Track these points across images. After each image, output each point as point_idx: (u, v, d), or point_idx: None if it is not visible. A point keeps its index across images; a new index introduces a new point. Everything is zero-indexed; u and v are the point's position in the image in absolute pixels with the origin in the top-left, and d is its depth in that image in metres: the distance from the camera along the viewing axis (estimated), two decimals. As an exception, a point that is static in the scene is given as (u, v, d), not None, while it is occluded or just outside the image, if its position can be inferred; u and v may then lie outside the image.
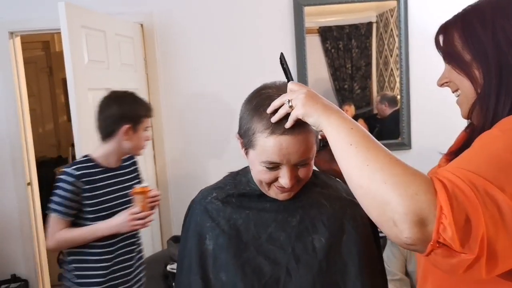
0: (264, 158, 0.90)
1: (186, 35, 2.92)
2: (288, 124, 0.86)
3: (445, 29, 0.89)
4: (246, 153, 0.96)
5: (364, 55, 3.04)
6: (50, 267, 3.18)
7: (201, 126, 2.97)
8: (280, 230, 0.96)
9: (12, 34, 2.88)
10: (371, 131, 3.31)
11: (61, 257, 3.85)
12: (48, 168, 4.07)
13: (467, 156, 0.72)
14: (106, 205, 1.73)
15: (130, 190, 1.74)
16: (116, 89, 2.56)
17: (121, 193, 1.78)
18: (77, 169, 1.69)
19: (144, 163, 2.86)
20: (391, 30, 2.97)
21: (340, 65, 3.05)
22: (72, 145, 2.67)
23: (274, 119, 0.87)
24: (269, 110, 0.88)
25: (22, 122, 2.93)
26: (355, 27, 3.02)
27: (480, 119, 0.83)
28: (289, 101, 0.86)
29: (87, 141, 2.26)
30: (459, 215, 0.63)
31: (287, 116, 0.86)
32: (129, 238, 1.82)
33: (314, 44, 2.98)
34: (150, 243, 2.89)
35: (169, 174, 3.00)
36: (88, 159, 1.75)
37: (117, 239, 1.76)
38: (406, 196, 0.65)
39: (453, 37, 0.86)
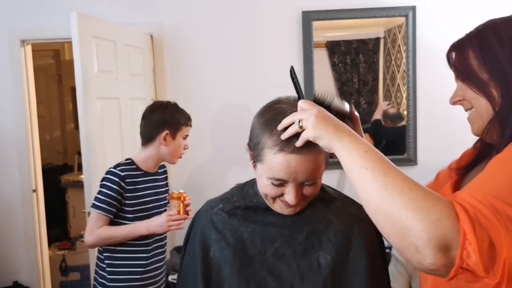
0: (271, 174, 0.89)
1: (194, 47, 2.94)
2: (298, 144, 0.85)
3: (459, 47, 0.89)
4: (254, 166, 0.95)
5: (371, 70, 3.04)
6: (52, 275, 3.18)
7: (208, 136, 2.98)
8: (286, 246, 0.95)
9: (23, 42, 2.92)
10: (377, 145, 3.30)
11: (63, 265, 3.85)
12: (54, 175, 4.09)
13: (485, 178, 0.72)
14: (144, 206, 1.84)
15: (164, 195, 1.90)
16: (124, 98, 2.60)
17: (157, 197, 1.91)
18: (123, 170, 1.80)
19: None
20: (399, 46, 2.98)
21: (347, 79, 3.05)
22: (79, 153, 2.69)
23: (283, 136, 0.86)
24: (280, 127, 0.87)
25: (30, 129, 2.96)
26: (363, 42, 3.04)
27: (497, 137, 0.83)
28: (299, 121, 0.83)
29: (94, 149, 2.28)
30: (482, 240, 0.63)
31: (297, 134, 0.84)
32: (161, 240, 1.94)
33: (321, 58, 3.00)
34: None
35: (175, 183, 3.01)
36: (131, 162, 1.87)
37: (152, 239, 1.87)
38: (428, 222, 0.64)
39: (468, 55, 0.86)
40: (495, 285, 0.64)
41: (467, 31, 0.91)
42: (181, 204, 1.80)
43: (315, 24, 2.91)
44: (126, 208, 1.80)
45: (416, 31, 2.91)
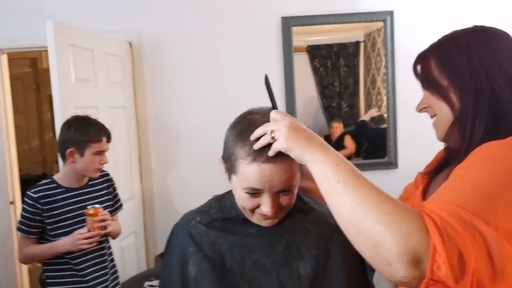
0: (245, 184, 0.88)
1: (174, 54, 2.92)
2: (270, 154, 0.84)
3: (422, 58, 0.93)
4: (229, 178, 0.95)
5: (352, 74, 3.07)
6: (31, 287, 3.10)
7: (188, 144, 2.96)
8: (265, 256, 0.95)
9: (-1, 51, 2.86)
10: (359, 148, 3.30)
11: (43, 277, 3.77)
12: (32, 185, 4.00)
13: (451, 188, 0.74)
14: (66, 223, 1.84)
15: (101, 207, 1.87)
16: (103, 107, 2.56)
17: (85, 211, 1.87)
18: (36, 192, 1.82)
19: (131, 179, 2.84)
20: (378, 49, 3.01)
21: (329, 83, 3.07)
22: (58, 162, 2.64)
23: (255, 146, 0.86)
24: (252, 137, 0.87)
25: (7, 140, 2.89)
26: (343, 46, 3.06)
27: (457, 141, 0.87)
28: (271, 131, 0.83)
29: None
30: (451, 252, 0.64)
31: (270, 144, 0.84)
32: (95, 252, 1.90)
33: (302, 62, 3.01)
34: (135, 260, 2.85)
35: (155, 191, 2.98)
36: (50, 181, 1.89)
37: (81, 253, 1.86)
38: (399, 236, 0.66)
39: (430, 64, 0.90)
40: None
41: (444, 35, 0.93)
42: (93, 221, 1.78)
43: (295, 29, 2.92)
44: (47, 227, 1.82)
45: (394, 36, 2.95)
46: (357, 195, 0.71)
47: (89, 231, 1.78)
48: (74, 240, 1.78)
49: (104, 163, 1.91)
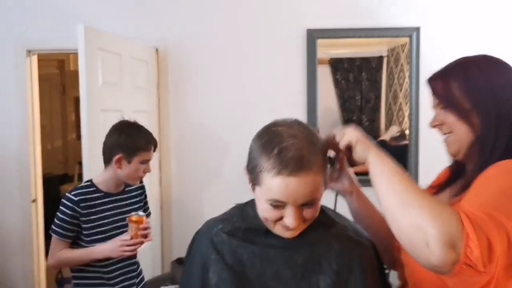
0: (269, 196, 0.89)
1: (199, 61, 2.96)
2: (341, 146, 0.96)
3: (442, 77, 1.01)
4: (253, 189, 0.95)
5: (373, 88, 3.06)
6: (48, 286, 3.15)
7: (208, 151, 2.98)
8: (286, 268, 0.94)
9: (29, 52, 2.95)
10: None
11: (59, 276, 3.83)
12: (54, 185, 4.09)
13: (476, 194, 0.85)
14: (102, 228, 1.80)
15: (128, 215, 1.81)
16: (127, 110, 2.60)
17: (120, 217, 1.85)
18: (77, 195, 1.78)
19: (150, 184, 2.86)
20: (402, 65, 3.00)
21: (350, 96, 3.07)
22: (80, 163, 2.69)
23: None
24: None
25: (32, 139, 2.96)
26: (366, 60, 3.06)
27: (477, 158, 0.96)
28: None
29: (95, 160, 2.27)
30: (482, 239, 0.73)
31: (295, 157, 0.86)
32: (126, 260, 1.88)
33: (324, 75, 3.02)
34: (151, 264, 2.86)
35: (173, 196, 3.00)
36: (89, 184, 1.84)
37: (114, 260, 1.82)
38: (439, 221, 0.75)
39: (451, 84, 0.98)
40: (489, 279, 0.75)
41: (470, 53, 0.99)
42: (137, 228, 1.73)
43: (319, 41, 2.93)
44: (84, 231, 1.78)
45: (420, 52, 2.93)
46: (408, 186, 0.83)
47: (131, 238, 1.73)
48: (116, 246, 1.73)
49: (147, 172, 1.88)
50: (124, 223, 1.82)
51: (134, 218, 1.74)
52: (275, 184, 0.87)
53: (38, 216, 3.00)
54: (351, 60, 3.05)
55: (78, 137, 3.95)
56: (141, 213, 1.79)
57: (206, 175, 2.99)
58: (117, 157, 1.78)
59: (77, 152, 3.65)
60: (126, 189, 1.92)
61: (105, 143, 1.85)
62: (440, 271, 0.76)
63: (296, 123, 0.94)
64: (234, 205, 1.09)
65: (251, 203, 1.04)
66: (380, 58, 3.06)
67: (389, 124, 3.07)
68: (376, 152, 0.91)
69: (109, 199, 1.85)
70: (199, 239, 1.04)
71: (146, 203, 2.06)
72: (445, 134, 1.02)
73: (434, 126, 1.04)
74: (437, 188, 1.13)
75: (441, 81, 1.01)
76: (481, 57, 1.00)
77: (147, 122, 2.84)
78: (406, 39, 2.95)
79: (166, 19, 2.95)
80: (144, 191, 2.04)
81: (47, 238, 3.22)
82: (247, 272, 0.95)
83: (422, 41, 2.93)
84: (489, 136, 0.93)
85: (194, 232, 1.08)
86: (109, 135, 1.85)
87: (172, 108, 2.97)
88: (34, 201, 2.96)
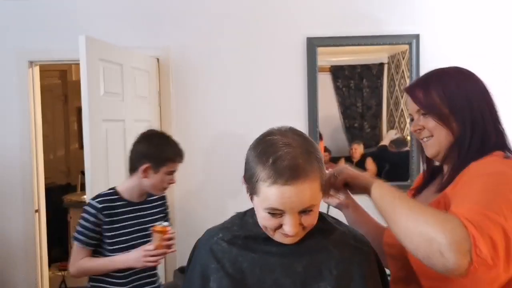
0: (267, 205, 0.89)
1: (200, 71, 2.98)
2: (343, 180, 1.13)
3: (423, 86, 1.12)
4: (251, 198, 0.96)
5: (374, 95, 3.07)
6: (51, 296, 3.14)
7: (211, 161, 2.99)
8: (285, 275, 0.94)
9: (31, 63, 2.97)
10: (380, 170, 3.25)
11: (62, 286, 3.81)
12: (56, 195, 4.09)
13: (463, 198, 0.93)
14: (123, 238, 1.78)
15: (152, 225, 1.78)
16: (129, 120, 2.62)
17: (143, 226, 1.83)
18: (101, 202, 1.76)
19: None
20: (402, 71, 3.01)
21: (351, 103, 3.07)
22: (82, 173, 2.70)
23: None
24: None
25: (35, 149, 2.97)
26: (366, 67, 3.07)
27: (456, 158, 1.08)
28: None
29: (98, 170, 2.29)
30: (486, 238, 0.82)
31: (290, 166, 0.86)
32: (147, 271, 1.85)
33: (325, 82, 3.03)
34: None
35: (176, 205, 3.00)
36: (113, 192, 1.82)
37: (134, 271, 1.80)
38: (446, 231, 0.82)
39: (431, 93, 1.10)
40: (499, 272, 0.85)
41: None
42: (161, 238, 1.70)
43: (320, 49, 2.95)
44: (106, 240, 1.76)
45: (420, 59, 2.94)
46: (410, 206, 0.92)
47: (155, 248, 1.70)
48: (139, 256, 1.70)
49: (172, 183, 1.87)
50: (145, 233, 1.81)
51: (158, 228, 1.71)
52: (271, 193, 0.88)
53: (41, 226, 3.00)
54: (352, 67, 3.07)
55: (81, 146, 3.96)
56: (165, 223, 1.76)
57: (209, 184, 3.00)
58: (144, 166, 1.76)
59: (79, 162, 3.66)
60: (148, 198, 1.90)
61: (132, 151, 1.83)
62: (458, 275, 0.83)
63: (291, 131, 0.95)
64: (234, 214, 1.10)
65: (251, 212, 1.04)
66: (381, 65, 3.07)
67: (391, 130, 3.07)
68: (373, 183, 1.03)
69: (132, 208, 1.83)
70: (199, 248, 1.04)
71: (167, 214, 2.03)
72: (425, 138, 1.13)
73: (415, 131, 1.14)
74: (416, 190, 1.25)
75: (421, 89, 1.12)
76: (455, 69, 1.13)
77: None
78: (406, 46, 2.96)
79: (167, 29, 2.97)
80: (166, 202, 2.02)
81: (50, 248, 3.23)
82: (247, 280, 0.95)
83: (422, 48, 2.94)
84: (465, 138, 1.06)
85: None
86: (137, 144, 1.83)
87: (174, 118, 2.99)
88: (37, 211, 2.96)
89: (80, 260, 1.76)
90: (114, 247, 1.76)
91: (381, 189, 1.01)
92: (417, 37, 2.93)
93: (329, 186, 1.13)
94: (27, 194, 2.95)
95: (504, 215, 0.86)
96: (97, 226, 1.74)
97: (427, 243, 0.84)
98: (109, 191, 1.82)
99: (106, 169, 2.38)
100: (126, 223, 1.79)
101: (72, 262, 1.78)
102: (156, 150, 1.78)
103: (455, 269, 0.81)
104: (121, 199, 1.81)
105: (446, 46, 2.94)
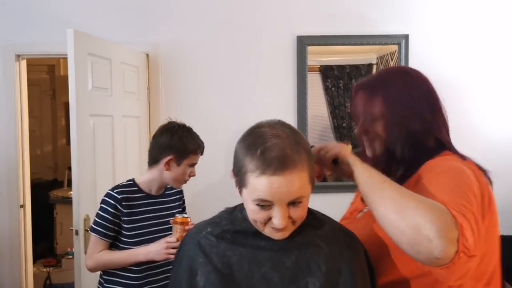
0: (255, 196, 0.89)
1: (190, 67, 2.97)
2: (328, 157, 1.05)
3: (366, 89, 1.14)
4: (240, 191, 0.95)
5: (364, 95, 3.08)
6: (36, 292, 3.11)
7: (201, 156, 2.97)
8: (274, 270, 0.94)
9: (18, 57, 2.93)
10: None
11: (48, 282, 3.78)
12: (43, 190, 4.05)
13: (440, 189, 0.94)
14: (143, 230, 1.76)
15: (170, 218, 1.76)
16: (117, 115, 2.60)
17: (160, 220, 1.81)
18: (120, 193, 1.73)
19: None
20: (391, 72, 3.02)
21: (340, 103, 3.09)
22: (69, 168, 2.67)
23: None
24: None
25: (21, 144, 2.94)
26: (355, 67, 3.08)
27: (407, 157, 1.10)
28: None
29: (85, 166, 2.27)
30: (470, 227, 0.83)
31: (278, 156, 0.87)
32: (164, 266, 1.81)
33: (314, 82, 3.04)
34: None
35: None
36: (132, 183, 1.81)
37: (149, 266, 1.76)
38: (436, 217, 0.82)
39: (374, 98, 1.12)
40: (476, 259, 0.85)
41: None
42: (183, 229, 1.65)
43: (309, 48, 2.96)
44: (124, 232, 1.73)
45: (409, 59, 2.96)
46: (399, 191, 0.91)
47: (177, 240, 1.66)
48: (161, 248, 1.67)
49: (192, 176, 1.85)
50: (162, 227, 1.79)
51: (179, 219, 1.68)
52: (260, 184, 0.88)
53: (26, 221, 2.96)
54: (341, 68, 3.08)
55: (68, 142, 3.93)
56: (185, 214, 1.74)
57: (200, 181, 2.98)
58: (167, 158, 1.75)
59: (67, 157, 3.63)
60: (166, 192, 1.89)
61: (153, 144, 1.82)
62: (440, 264, 0.82)
63: (280, 123, 0.95)
64: (223, 209, 1.09)
65: (240, 207, 1.04)
66: (370, 65, 3.08)
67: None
68: (362, 164, 1.00)
69: (150, 201, 1.81)
70: (187, 242, 1.04)
71: (184, 208, 2.02)
72: (367, 140, 1.15)
73: (359, 134, 1.17)
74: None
75: (364, 93, 1.14)
76: (401, 72, 1.17)
77: (138, 127, 2.85)
78: (395, 47, 2.98)
79: (157, 24, 2.96)
80: (183, 196, 2.01)
81: (35, 244, 3.19)
82: (235, 275, 0.94)
83: (411, 48, 2.96)
84: (396, 144, 1.09)
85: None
86: (159, 136, 1.81)
87: (163, 113, 2.97)
88: (22, 206, 2.93)
89: (98, 253, 1.72)
90: (133, 239, 1.73)
91: (370, 170, 0.99)
92: (406, 37, 2.95)
93: (318, 159, 1.07)
94: (13, 189, 2.91)
95: (471, 204, 0.89)
96: (116, 218, 1.71)
97: (415, 229, 0.83)
98: (128, 183, 1.81)
99: (93, 165, 2.35)
100: (144, 216, 1.77)
101: (89, 255, 1.74)
102: (179, 142, 1.77)
103: (441, 258, 0.81)
104: (140, 191, 1.79)
105: (435, 46, 2.96)
